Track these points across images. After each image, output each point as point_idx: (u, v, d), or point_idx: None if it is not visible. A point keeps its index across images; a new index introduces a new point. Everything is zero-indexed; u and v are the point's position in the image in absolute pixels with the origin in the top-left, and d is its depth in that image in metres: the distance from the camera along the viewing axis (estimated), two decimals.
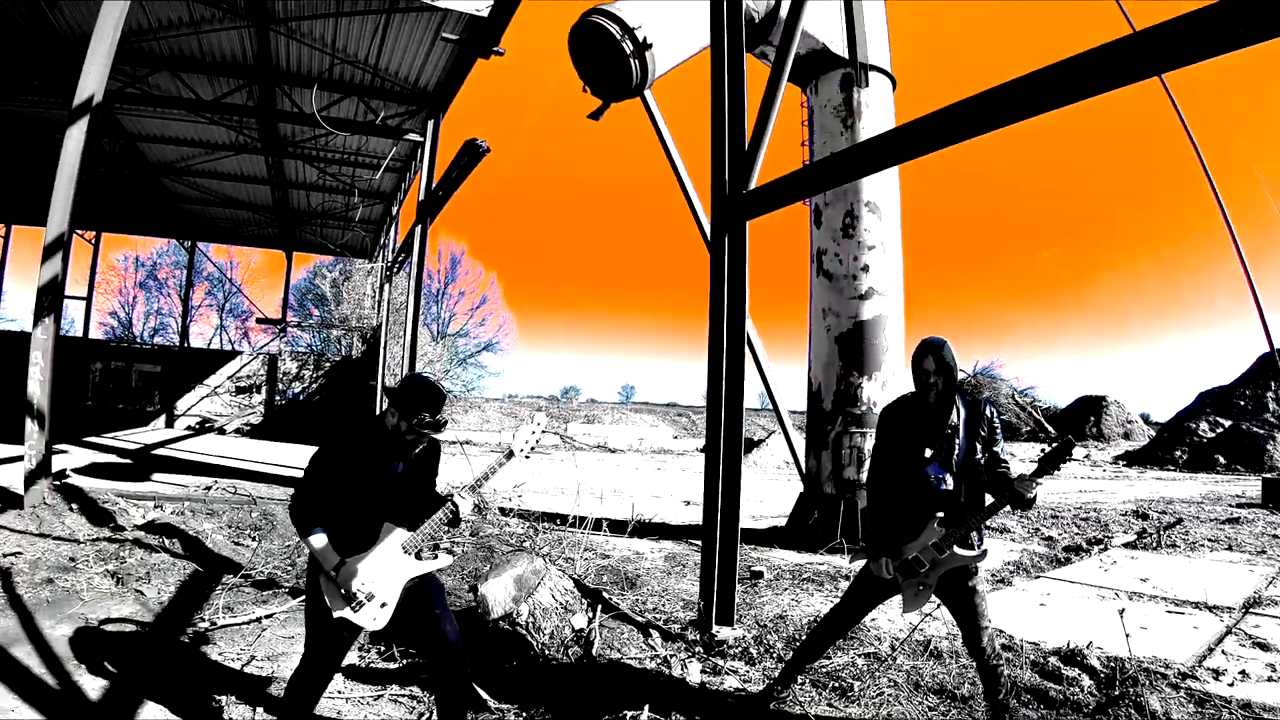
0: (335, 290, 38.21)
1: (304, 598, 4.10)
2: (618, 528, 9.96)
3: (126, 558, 7.56)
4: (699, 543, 10.23)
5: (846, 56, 10.32)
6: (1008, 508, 4.16)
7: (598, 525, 9.85)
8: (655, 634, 6.04)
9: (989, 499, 4.27)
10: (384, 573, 3.78)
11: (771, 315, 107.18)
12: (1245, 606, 7.63)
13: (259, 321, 36.47)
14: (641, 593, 7.51)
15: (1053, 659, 5.63)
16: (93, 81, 9.88)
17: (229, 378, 30.85)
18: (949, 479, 4.24)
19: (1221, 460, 30.90)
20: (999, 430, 4.34)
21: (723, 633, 5.94)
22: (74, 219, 9.92)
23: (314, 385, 30.71)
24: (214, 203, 27.43)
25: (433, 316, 55.21)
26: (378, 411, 18.05)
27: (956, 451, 4.24)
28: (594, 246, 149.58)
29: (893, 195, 10.48)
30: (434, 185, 16.33)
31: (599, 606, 6.35)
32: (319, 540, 3.76)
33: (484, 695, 4.73)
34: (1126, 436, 43.14)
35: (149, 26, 15.20)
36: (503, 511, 10.83)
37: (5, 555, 7.19)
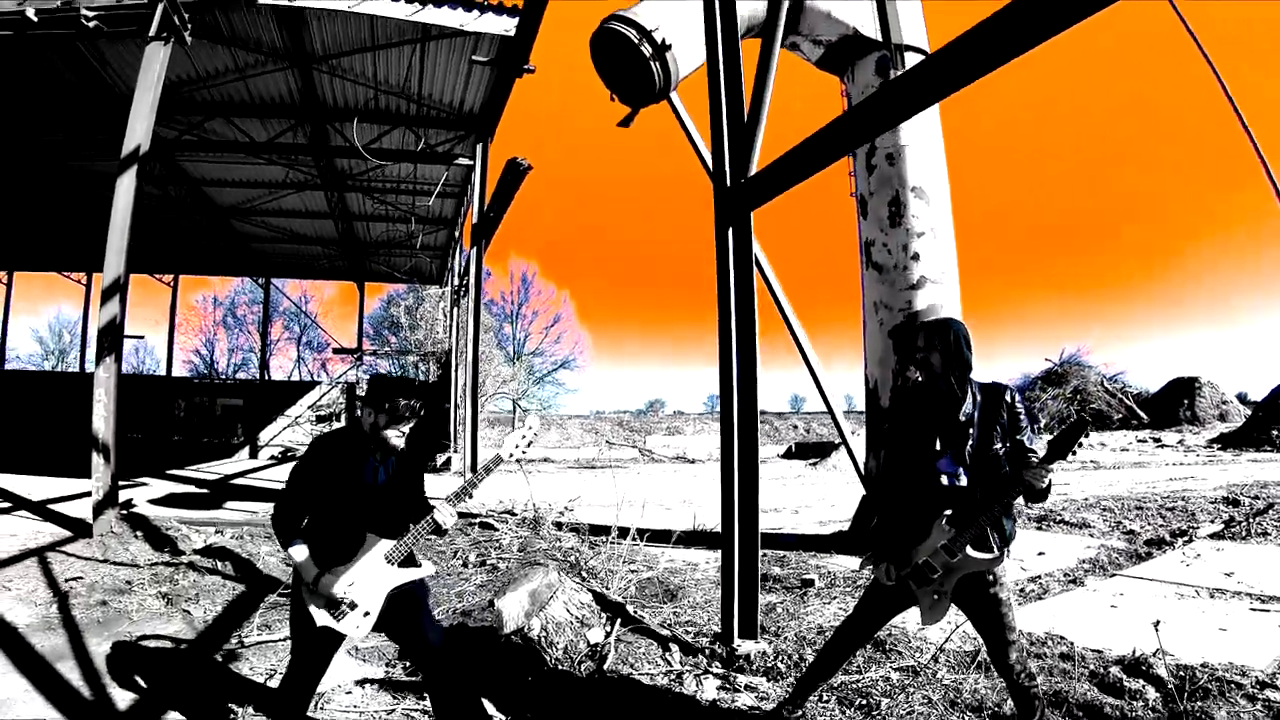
0: (409, 317, 38.65)
1: None
2: (676, 539, 9.73)
3: (180, 580, 7.82)
4: (761, 551, 10.02)
5: (880, 39, 10.01)
6: (1021, 501, 3.68)
7: (655, 536, 9.65)
8: (676, 648, 5.76)
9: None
10: (366, 582, 3.82)
11: (831, 315, 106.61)
12: None
13: (335, 352, 37.19)
14: (681, 605, 7.21)
15: (1114, 669, 5.11)
16: (139, 132, 10.12)
17: (309, 407, 31.42)
18: (961, 473, 3.78)
19: None
20: (1023, 417, 3.83)
21: (745, 646, 5.60)
22: (130, 262, 10.27)
23: None
24: (283, 240, 28.09)
25: (507, 338, 55.70)
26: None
27: (970, 443, 3.78)
28: (669, 255, 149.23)
29: (940, 179, 10.01)
30: (485, 208, 16.39)
31: (618, 620, 6.15)
32: (299, 552, 3.80)
33: (490, 709, 4.63)
34: (1222, 418, 41.62)
35: (198, 76, 15.69)
36: (557, 525, 10.83)
37: (67, 580, 7.60)
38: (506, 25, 13.39)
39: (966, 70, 3.73)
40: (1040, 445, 3.71)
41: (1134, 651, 5.40)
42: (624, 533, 8.68)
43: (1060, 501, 13.76)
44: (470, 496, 4.07)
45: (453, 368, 27.84)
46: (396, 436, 3.95)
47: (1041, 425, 44.24)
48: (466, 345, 18.26)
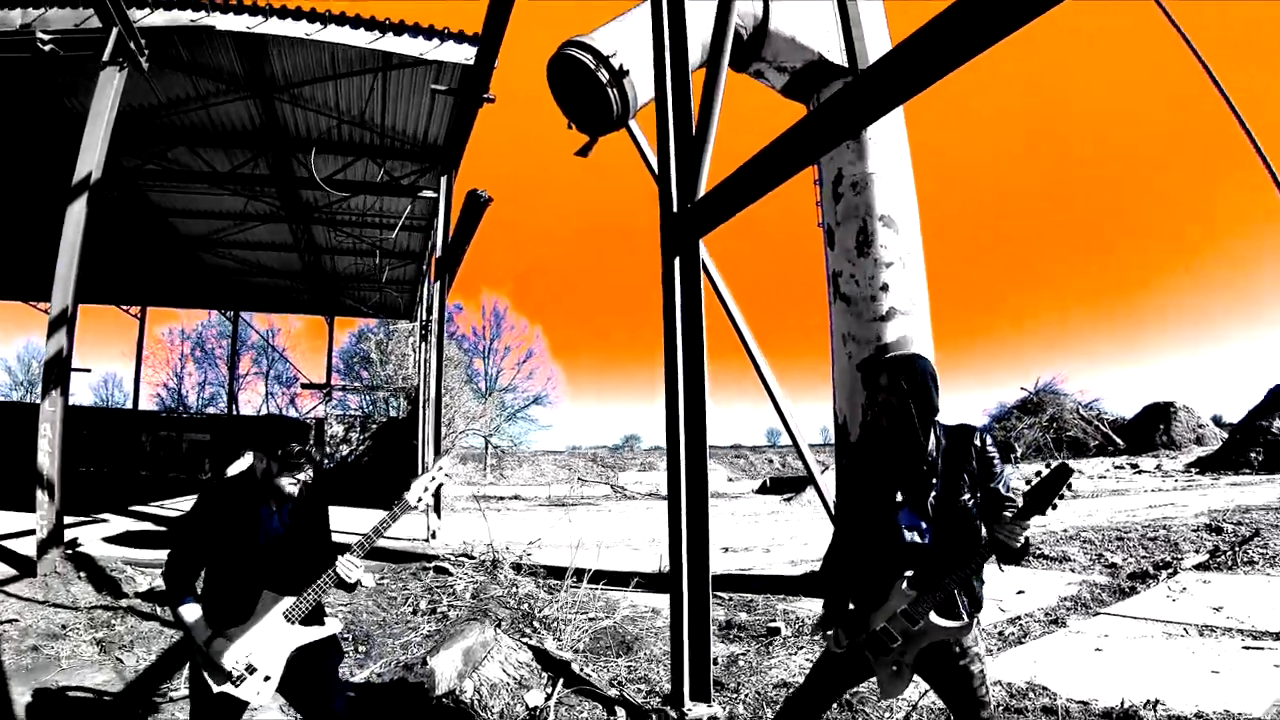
0: (380, 352, 38.36)
1: None
2: (636, 582, 9.37)
3: (116, 625, 7.56)
4: (725, 595, 9.67)
5: (846, 65, 9.79)
6: (994, 561, 3.21)
7: (616, 579, 9.33)
8: (622, 712, 5.36)
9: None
10: (265, 644, 3.52)
11: (803, 346, 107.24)
12: None
13: (304, 387, 36.92)
14: (637, 658, 6.82)
15: None
16: (91, 160, 9.96)
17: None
18: (924, 528, 3.30)
19: None
20: (996, 462, 3.37)
21: (695, 710, 5.14)
22: (79, 294, 9.91)
23: (361, 447, 30.55)
24: (250, 272, 27.79)
25: (479, 373, 55.59)
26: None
27: (934, 493, 3.30)
28: (643, 289, 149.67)
29: (909, 207, 9.76)
30: (448, 241, 16.18)
31: (561, 680, 5.74)
32: (190, 612, 3.50)
33: None
34: (1199, 442, 41.80)
35: (159, 104, 15.41)
36: (515, 568, 10.45)
37: (1, 622, 7.39)
38: (466, 54, 13.16)
39: (917, 76, 3.34)
40: (1019, 488, 3.27)
41: (1122, 703, 5.12)
42: (580, 575, 8.35)
43: (1040, 534, 13.53)
44: (372, 545, 3.72)
45: (420, 404, 27.27)
46: (291, 484, 3.66)
47: (1019, 454, 44.43)
48: (431, 380, 17.93)
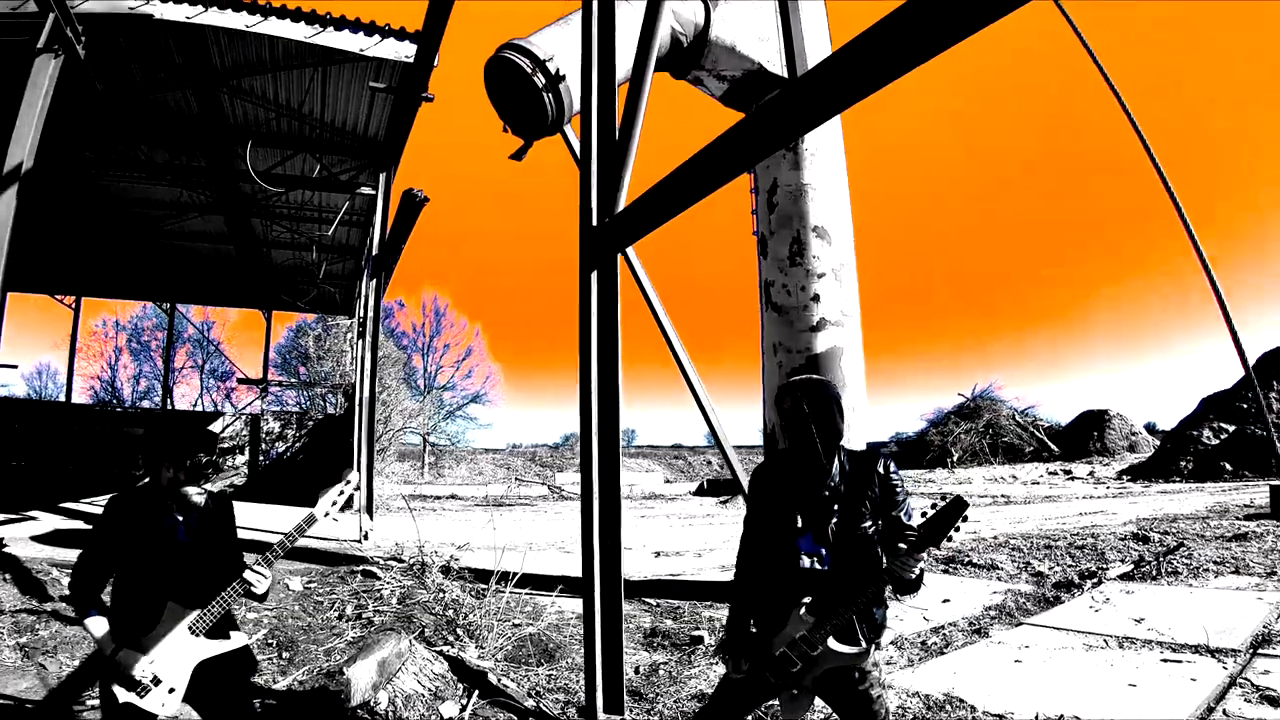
0: (318, 347, 37.89)
1: None
2: (561, 588, 9.32)
3: (40, 630, 7.36)
4: (652, 601, 9.65)
5: (786, 76, 9.79)
6: (890, 591, 3.24)
7: (545, 583, 9.27)
8: None
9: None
10: (170, 656, 3.51)
11: (728, 355, 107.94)
12: (1252, 647, 6.64)
13: (240, 382, 36.35)
14: (558, 667, 6.78)
15: None
16: (23, 149, 9.57)
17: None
18: (824, 554, 3.30)
19: (1228, 467, 30.34)
20: (899, 490, 3.37)
21: None
22: (7, 282, 9.61)
23: (297, 445, 30.19)
24: (187, 263, 27.25)
25: (418, 371, 55.35)
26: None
27: (834, 520, 3.30)
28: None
29: (844, 219, 9.80)
30: (385, 239, 16.04)
31: (476, 691, 5.71)
32: (96, 624, 3.51)
33: None
34: (1132, 449, 42.62)
35: (99, 91, 14.96)
36: (444, 572, 10.34)
37: None
38: (406, 51, 13.03)
39: (845, 88, 3.29)
40: (919, 520, 3.23)
41: (1038, 716, 5.14)
42: (506, 580, 8.26)
43: (969, 541, 13.65)
44: (279, 557, 3.75)
45: (357, 402, 26.94)
46: (197, 493, 3.72)
47: (955, 459, 44.93)
48: (364, 379, 17.73)
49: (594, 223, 5.30)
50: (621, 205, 5.15)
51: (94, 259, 26.63)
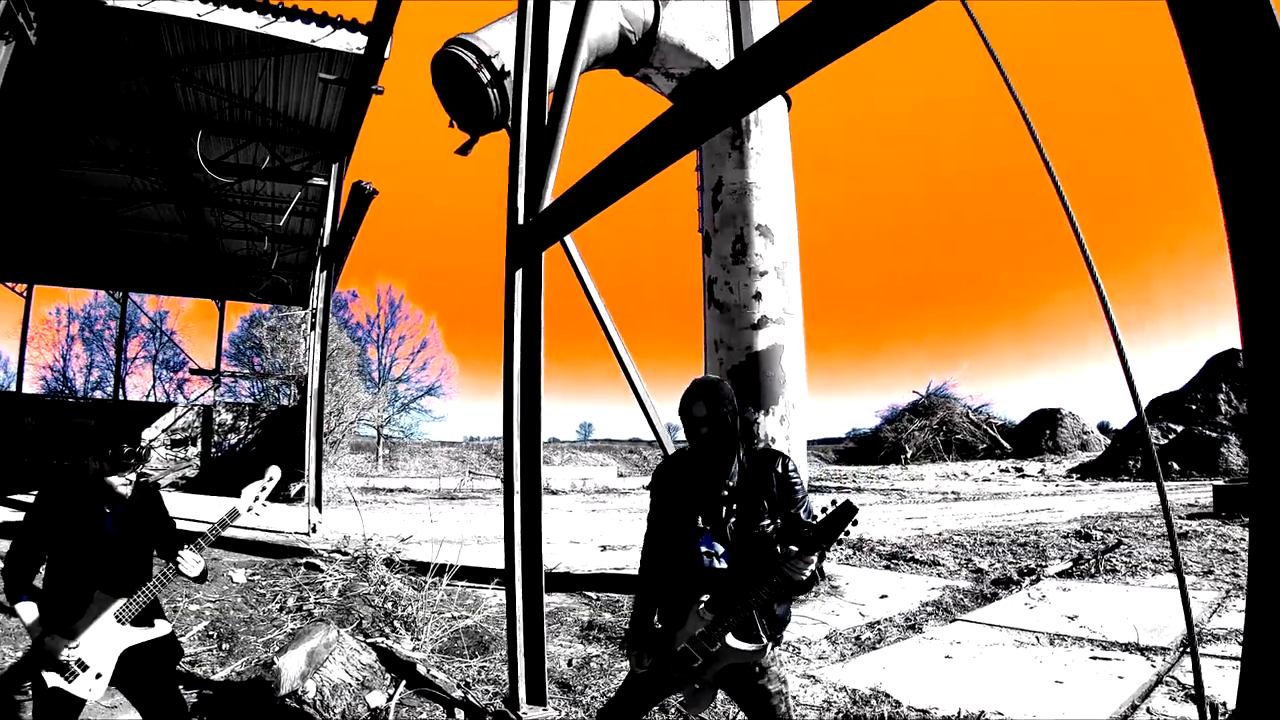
0: (272, 338, 37.51)
1: None
2: (498, 581, 9.35)
3: None
4: (594, 595, 9.70)
5: None
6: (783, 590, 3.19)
7: (485, 576, 9.30)
8: (461, 714, 5.37)
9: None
10: (96, 642, 3.61)
11: (675, 350, 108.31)
12: (1182, 645, 6.73)
13: (193, 373, 35.98)
14: (492, 658, 6.78)
15: None
16: None
17: (163, 430, 29.89)
18: (722, 553, 3.36)
19: (1176, 467, 30.85)
20: (798, 488, 3.41)
21: (531, 714, 5.18)
22: None
23: (250, 436, 29.95)
24: (141, 252, 26.91)
25: (372, 363, 54.89)
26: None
27: (733, 519, 3.36)
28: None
29: (788, 218, 9.93)
30: (335, 231, 15.96)
31: (404, 681, 5.76)
32: (26, 610, 3.61)
33: None
34: (1083, 448, 43.22)
35: (51, 77, 14.80)
36: (388, 564, 10.36)
37: None
38: (358, 43, 12.99)
39: (773, 75, 3.28)
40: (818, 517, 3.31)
41: (959, 712, 5.22)
42: (442, 573, 8.28)
43: (914, 537, 13.80)
44: (209, 545, 3.83)
45: (309, 394, 26.78)
46: (123, 484, 3.77)
47: (909, 455, 45.32)
48: (314, 371, 17.64)
49: (519, 221, 5.32)
50: (547, 203, 5.15)
51: (46, 246, 26.18)
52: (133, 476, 3.83)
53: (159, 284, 31.81)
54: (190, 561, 3.72)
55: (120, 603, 3.66)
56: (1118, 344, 3.44)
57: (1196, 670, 3.54)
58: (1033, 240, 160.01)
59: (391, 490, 30.54)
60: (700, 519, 3.41)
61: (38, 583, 3.72)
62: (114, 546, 3.75)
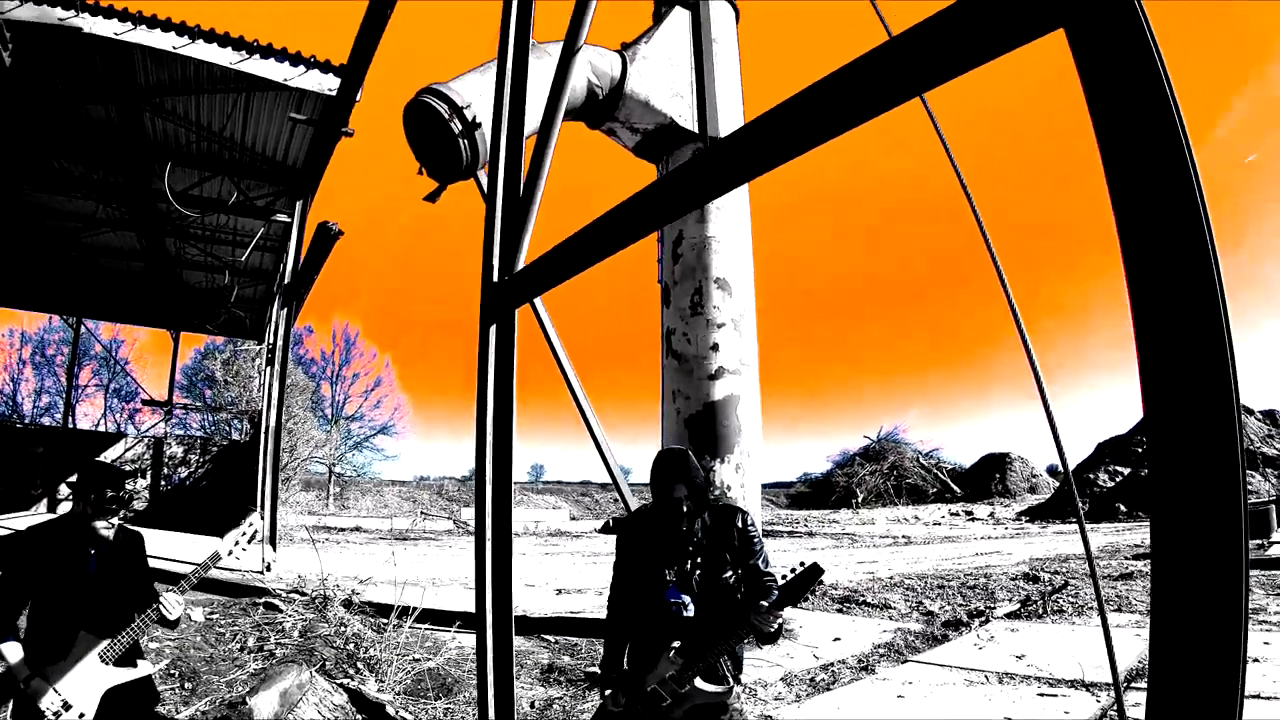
0: (225, 371, 37.11)
1: None
2: (460, 624, 9.39)
3: None
4: (551, 638, 9.80)
5: (697, 131, 10.11)
6: (751, 640, 3.56)
7: (444, 619, 9.35)
8: None
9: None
10: (80, 682, 3.65)
11: (632, 397, 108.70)
12: (1126, 681, 7.00)
13: (144, 403, 35.50)
14: (455, 700, 6.91)
15: None
16: None
17: (113, 461, 29.36)
18: (689, 602, 3.66)
19: (1123, 508, 31.43)
20: (756, 540, 3.75)
21: None
22: None
23: (200, 470, 29.57)
24: (98, 278, 26.60)
25: (326, 399, 54.41)
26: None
27: (698, 571, 3.69)
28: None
29: (745, 271, 10.17)
30: (298, 269, 15.98)
31: None
32: (10, 651, 3.61)
33: None
34: (1032, 490, 43.80)
35: (19, 99, 14.76)
36: (346, 605, 10.34)
37: None
38: (330, 84, 13.11)
39: (747, 162, 3.43)
40: (776, 570, 3.63)
41: None
42: (404, 614, 8.36)
43: (866, 581, 14.00)
44: (193, 586, 3.99)
45: (262, 430, 26.56)
46: (105, 527, 3.84)
47: (860, 499, 45.66)
48: (271, 408, 17.59)
49: (495, 278, 5.47)
50: (522, 263, 5.32)
51: (2, 267, 25.75)
52: (115, 521, 3.90)
53: (115, 311, 31.39)
54: (173, 603, 3.81)
55: (104, 643, 3.72)
56: (1041, 391, 3.65)
57: (1120, 706, 3.79)
58: (985, 285, 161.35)
59: (344, 529, 30.32)
60: (668, 572, 3.69)
61: (21, 623, 3.76)
62: (97, 588, 3.81)
